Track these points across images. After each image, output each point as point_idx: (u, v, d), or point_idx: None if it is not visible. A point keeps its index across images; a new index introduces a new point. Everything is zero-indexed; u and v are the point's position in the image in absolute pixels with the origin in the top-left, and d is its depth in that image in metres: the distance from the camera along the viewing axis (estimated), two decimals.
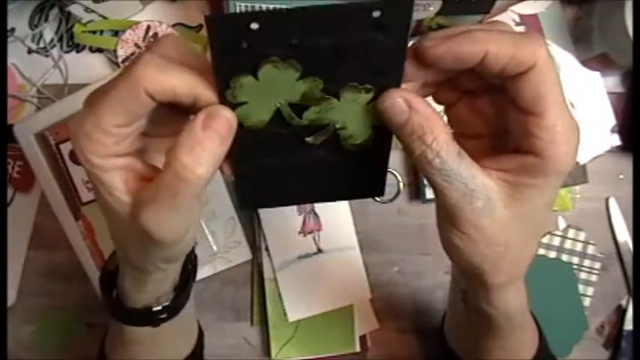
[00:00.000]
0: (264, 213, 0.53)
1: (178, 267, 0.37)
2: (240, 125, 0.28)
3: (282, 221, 0.53)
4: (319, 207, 0.53)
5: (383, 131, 0.29)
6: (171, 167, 0.26)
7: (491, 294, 0.31)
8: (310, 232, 0.53)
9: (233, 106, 0.27)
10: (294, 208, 0.53)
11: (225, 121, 0.26)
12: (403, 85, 0.27)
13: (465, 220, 0.27)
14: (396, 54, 0.26)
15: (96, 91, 0.28)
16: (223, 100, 0.27)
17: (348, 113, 0.29)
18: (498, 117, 0.29)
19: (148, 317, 0.37)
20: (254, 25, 0.24)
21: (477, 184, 0.26)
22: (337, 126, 0.29)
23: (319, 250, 0.54)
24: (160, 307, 0.36)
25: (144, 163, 0.29)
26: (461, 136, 0.28)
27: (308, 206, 0.53)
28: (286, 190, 0.33)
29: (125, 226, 0.29)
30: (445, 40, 0.25)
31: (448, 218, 0.28)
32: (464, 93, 0.30)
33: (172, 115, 0.28)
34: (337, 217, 0.54)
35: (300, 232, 0.54)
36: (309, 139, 0.30)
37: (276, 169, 0.31)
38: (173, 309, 0.38)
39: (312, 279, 0.54)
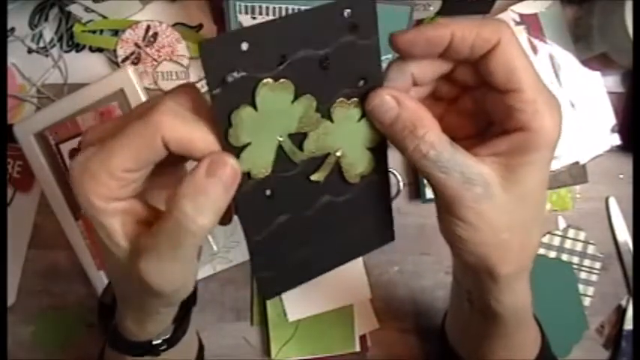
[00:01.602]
0: None
1: (178, 305, 0.36)
2: (247, 178, 0.27)
3: None
4: None
5: (380, 156, 0.30)
6: (172, 216, 0.25)
7: (499, 287, 0.30)
8: None
9: (237, 153, 0.26)
10: None
11: (229, 168, 0.25)
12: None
13: (466, 207, 0.27)
14: (372, 54, 0.27)
15: (102, 125, 0.27)
16: (226, 146, 0.26)
17: (343, 136, 0.28)
18: (481, 112, 0.29)
19: (149, 349, 0.36)
20: (244, 46, 0.24)
21: (472, 172, 0.27)
22: (337, 154, 0.29)
23: None
24: (160, 341, 0.36)
25: (144, 206, 0.28)
26: (452, 139, 0.28)
27: None
28: (306, 261, 0.31)
29: (124, 271, 0.28)
30: (414, 28, 0.27)
31: (449, 209, 0.28)
32: (444, 101, 0.31)
33: (171, 158, 0.27)
34: None
35: None
36: (314, 177, 0.29)
37: (289, 234, 0.30)
38: (174, 340, 0.37)
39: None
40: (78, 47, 0.58)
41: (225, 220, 0.29)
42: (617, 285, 0.57)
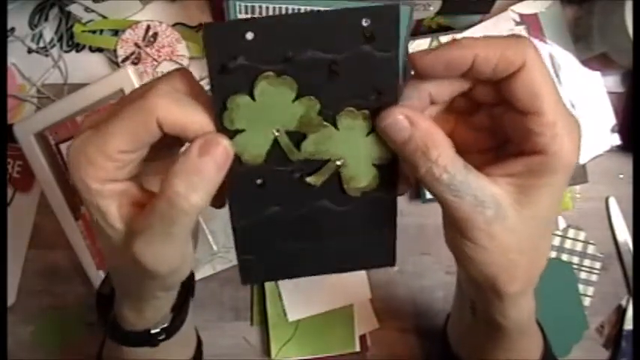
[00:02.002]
0: None
1: (176, 291, 0.36)
2: (239, 163, 0.27)
3: None
4: None
5: (387, 175, 0.29)
6: (165, 195, 0.25)
7: (505, 304, 0.30)
8: None
9: (231, 136, 0.26)
10: None
11: (222, 148, 0.25)
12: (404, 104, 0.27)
13: (477, 230, 0.27)
14: (389, 68, 0.26)
15: (98, 113, 0.27)
16: (221, 129, 0.26)
17: (347, 146, 0.28)
18: (497, 129, 0.29)
19: (147, 339, 0.36)
20: (249, 35, 0.24)
21: (486, 195, 0.26)
22: (338, 163, 0.28)
23: None
24: (158, 330, 0.36)
25: (140, 189, 0.28)
26: (465, 152, 0.28)
27: None
28: (292, 256, 0.31)
29: (120, 254, 0.28)
30: (434, 49, 0.26)
31: (459, 231, 0.27)
32: (459, 114, 0.30)
33: (166, 141, 0.27)
34: None
35: None
36: (310, 179, 0.28)
37: (279, 225, 0.30)
38: (172, 329, 0.37)
39: (312, 279, 0.53)
40: (78, 47, 0.58)
41: (217, 202, 0.29)
42: (617, 285, 0.57)
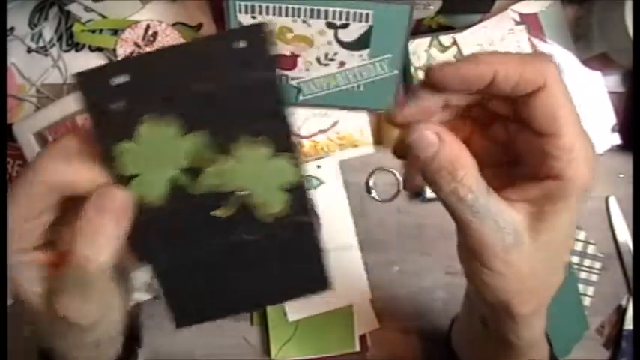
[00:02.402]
0: None
1: (113, 346, 0.35)
2: (141, 209, 0.26)
3: None
4: (318, 206, 0.53)
5: (300, 199, 0.28)
6: (73, 259, 0.25)
7: (518, 325, 0.30)
8: None
9: (126, 183, 0.26)
10: None
11: (118, 200, 0.25)
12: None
13: (495, 257, 0.26)
14: (271, 90, 0.25)
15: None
16: (116, 178, 0.26)
17: (250, 174, 0.27)
18: (512, 143, 0.28)
19: None
20: (122, 78, 0.24)
21: (506, 220, 0.26)
22: (243, 193, 0.27)
23: None
24: None
25: (56, 252, 0.28)
26: (478, 165, 0.27)
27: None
28: (223, 293, 0.30)
29: (42, 317, 0.28)
30: (452, 63, 0.25)
31: (476, 255, 0.27)
32: (475, 122, 0.29)
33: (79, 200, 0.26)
34: (337, 216, 0.54)
35: None
36: (217, 213, 0.27)
37: (200, 265, 0.29)
38: None
39: None
40: (77, 47, 0.58)
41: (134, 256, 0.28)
42: (617, 285, 0.57)
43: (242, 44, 0.25)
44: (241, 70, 0.25)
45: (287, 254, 0.30)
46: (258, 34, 0.25)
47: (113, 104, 0.24)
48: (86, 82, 0.24)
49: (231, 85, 0.25)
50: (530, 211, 0.26)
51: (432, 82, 0.26)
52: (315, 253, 0.31)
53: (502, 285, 0.27)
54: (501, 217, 0.25)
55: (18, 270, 0.27)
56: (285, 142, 0.27)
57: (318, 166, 0.54)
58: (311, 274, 0.31)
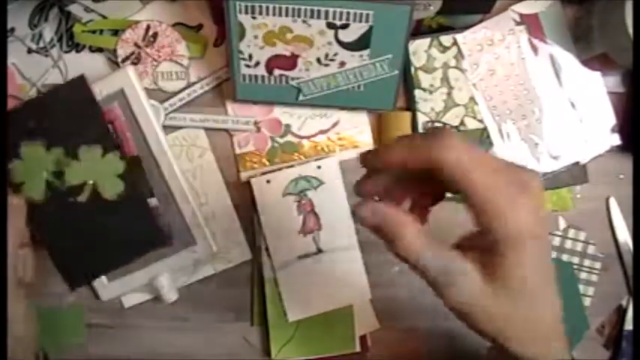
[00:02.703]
0: (264, 214, 0.53)
1: None
2: (31, 206, 0.45)
3: (281, 221, 0.53)
4: (319, 207, 0.53)
5: (130, 180, 0.45)
6: None
7: None
8: (310, 232, 0.53)
9: (18, 189, 0.45)
10: (294, 207, 0.53)
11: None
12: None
13: (451, 299, 0.29)
14: (94, 117, 0.46)
15: None
16: (14, 187, 0.45)
17: (91, 169, 0.45)
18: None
19: None
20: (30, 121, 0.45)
21: (452, 270, 0.28)
22: (90, 182, 0.44)
23: (319, 250, 0.54)
24: None
25: None
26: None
27: (307, 206, 0.53)
28: (101, 256, 0.47)
29: None
30: (373, 152, 0.31)
31: (441, 298, 0.29)
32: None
33: None
34: (337, 216, 0.54)
35: (299, 232, 0.53)
36: (78, 199, 0.45)
37: (80, 238, 0.46)
38: None
39: (312, 279, 0.54)
40: (78, 47, 0.58)
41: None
42: (618, 285, 0.57)
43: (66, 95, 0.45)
44: (70, 106, 0.46)
45: (132, 221, 0.46)
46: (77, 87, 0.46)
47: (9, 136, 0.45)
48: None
49: (66, 119, 0.45)
50: (479, 260, 0.28)
51: (363, 165, 0.32)
52: (150, 217, 0.47)
53: (475, 323, 0.29)
54: (447, 268, 0.28)
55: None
56: (109, 143, 0.45)
57: (319, 167, 0.54)
58: (153, 234, 0.47)
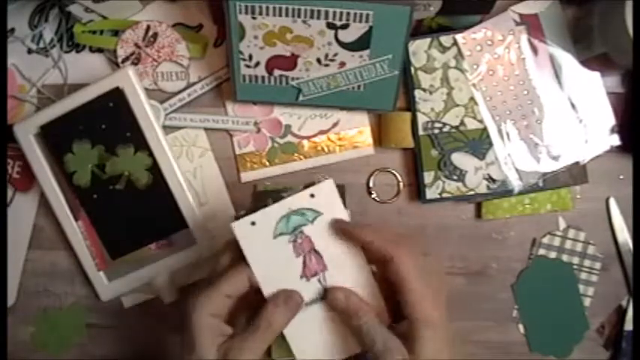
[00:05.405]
0: (256, 263, 0.42)
1: None
2: (80, 189, 0.54)
3: (278, 269, 0.42)
4: (318, 245, 0.43)
5: (158, 175, 0.53)
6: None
7: None
8: (314, 275, 0.43)
9: (71, 175, 0.54)
10: (291, 249, 0.42)
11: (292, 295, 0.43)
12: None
13: None
14: (127, 123, 0.53)
15: None
16: (67, 177, 0.54)
17: (127, 163, 0.53)
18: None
19: None
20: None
21: (390, 346, 0.38)
22: (126, 174, 0.53)
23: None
24: None
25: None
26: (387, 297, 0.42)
27: (306, 246, 0.43)
28: (135, 232, 0.55)
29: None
30: (349, 227, 0.42)
31: None
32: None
33: None
34: (343, 249, 0.43)
35: (302, 277, 0.43)
36: (117, 187, 0.54)
37: (118, 217, 0.55)
38: None
39: (322, 326, 0.44)
40: (78, 47, 0.58)
41: None
42: (618, 285, 0.57)
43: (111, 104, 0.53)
44: (111, 116, 0.53)
45: (158, 207, 0.54)
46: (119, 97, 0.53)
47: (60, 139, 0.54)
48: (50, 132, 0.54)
49: (105, 124, 0.53)
50: (404, 338, 0.38)
51: (341, 234, 0.42)
52: (173, 205, 0.54)
53: None
54: (386, 344, 0.38)
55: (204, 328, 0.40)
56: (140, 143, 0.53)
57: (312, 195, 0.42)
58: (174, 219, 0.54)
